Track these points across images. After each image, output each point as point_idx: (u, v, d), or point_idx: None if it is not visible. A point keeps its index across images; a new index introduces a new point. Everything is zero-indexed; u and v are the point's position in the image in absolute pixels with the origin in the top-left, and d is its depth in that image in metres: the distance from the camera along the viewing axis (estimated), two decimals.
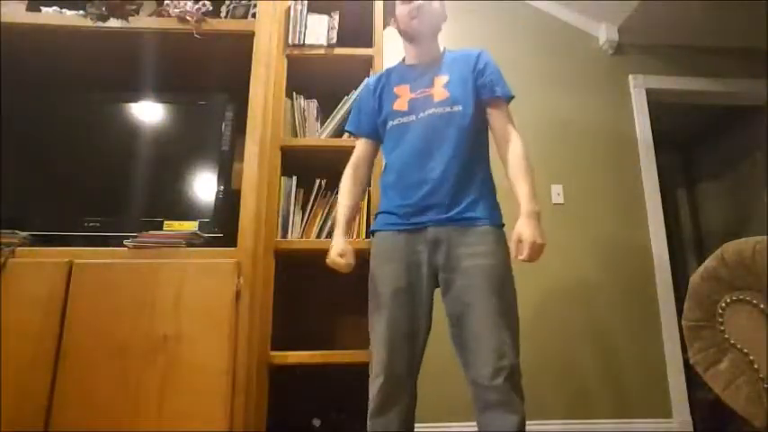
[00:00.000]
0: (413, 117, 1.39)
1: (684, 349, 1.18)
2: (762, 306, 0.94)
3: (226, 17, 1.85)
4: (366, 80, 1.67)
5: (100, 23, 1.68)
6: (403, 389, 1.24)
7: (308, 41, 1.91)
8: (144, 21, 1.74)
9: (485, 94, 1.39)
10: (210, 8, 1.72)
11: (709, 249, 2.64)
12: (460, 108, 1.36)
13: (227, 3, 1.87)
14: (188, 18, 1.69)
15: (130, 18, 1.71)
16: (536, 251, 1.21)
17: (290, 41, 1.91)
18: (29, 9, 1.81)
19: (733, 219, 3.71)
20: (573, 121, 2.73)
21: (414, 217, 1.31)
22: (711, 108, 3.39)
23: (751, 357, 0.95)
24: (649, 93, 2.80)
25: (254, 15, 1.81)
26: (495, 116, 1.40)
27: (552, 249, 2.50)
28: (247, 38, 1.70)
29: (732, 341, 0.98)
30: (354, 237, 1.74)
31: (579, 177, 2.64)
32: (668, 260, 2.57)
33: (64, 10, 1.73)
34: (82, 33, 1.70)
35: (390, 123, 1.43)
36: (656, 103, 2.81)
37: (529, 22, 2.88)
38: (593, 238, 2.56)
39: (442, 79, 1.40)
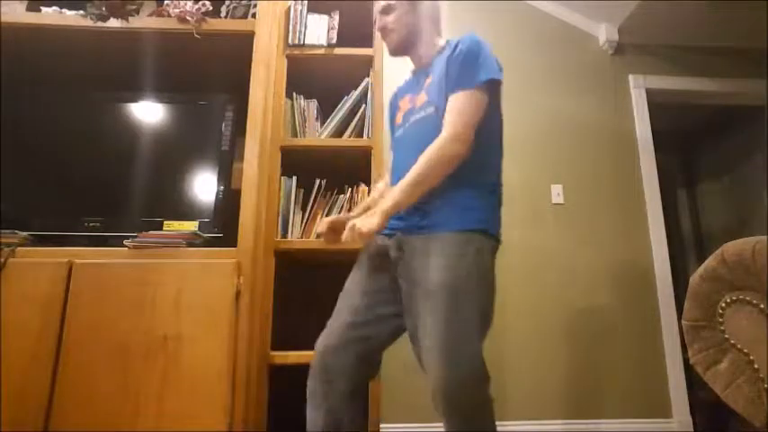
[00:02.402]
0: (401, 131, 1.36)
1: (684, 349, 1.18)
2: (762, 306, 0.94)
3: (226, 17, 1.85)
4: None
5: (100, 23, 1.68)
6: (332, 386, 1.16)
7: (308, 41, 1.92)
8: (144, 21, 1.74)
9: (447, 91, 1.23)
10: (210, 8, 1.72)
11: (709, 249, 2.65)
12: (432, 110, 1.26)
13: (227, 3, 1.87)
14: (188, 18, 1.69)
15: (130, 18, 1.70)
16: (351, 234, 1.12)
17: (290, 41, 1.91)
18: (29, 9, 1.81)
19: (733, 219, 3.71)
20: (573, 121, 2.73)
21: (390, 224, 1.24)
22: (711, 108, 3.39)
23: (751, 357, 0.95)
24: (649, 93, 2.80)
25: (254, 15, 1.81)
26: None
27: (552, 249, 2.53)
28: (247, 38, 1.70)
29: (732, 341, 0.98)
30: None
31: (579, 177, 2.64)
32: (668, 260, 2.57)
33: (64, 10, 1.73)
34: (82, 33, 1.70)
35: (392, 138, 1.42)
36: (656, 103, 2.81)
37: (529, 22, 2.88)
38: (593, 238, 2.56)
39: (428, 81, 1.33)
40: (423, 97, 1.31)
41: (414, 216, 1.21)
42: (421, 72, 1.38)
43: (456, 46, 1.26)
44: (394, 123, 1.44)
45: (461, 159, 1.17)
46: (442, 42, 1.38)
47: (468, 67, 1.22)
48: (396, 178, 1.31)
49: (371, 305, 1.23)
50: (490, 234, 1.21)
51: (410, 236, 1.20)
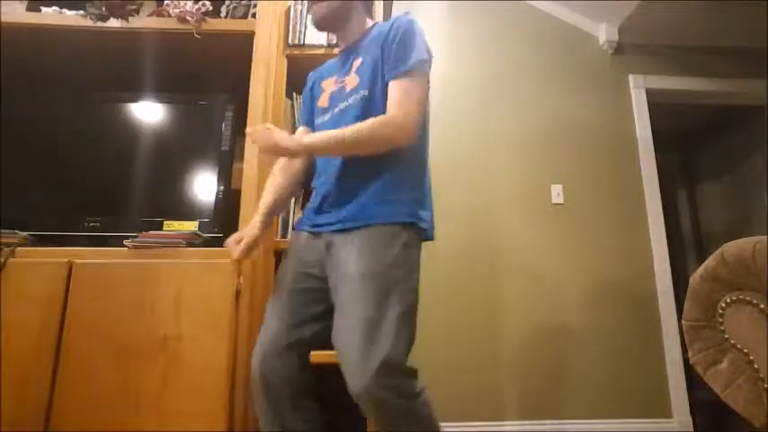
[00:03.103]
0: (330, 114, 1.28)
1: (684, 349, 1.18)
2: (762, 306, 0.94)
3: (226, 17, 1.85)
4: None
5: (100, 23, 1.68)
6: (273, 396, 1.14)
7: (308, 41, 1.91)
8: (144, 21, 1.74)
9: (387, 74, 1.17)
10: (210, 8, 1.72)
11: (709, 249, 2.65)
12: (366, 93, 1.19)
13: (227, 3, 1.87)
14: (188, 18, 1.69)
15: (130, 18, 1.71)
16: (263, 137, 1.12)
17: (290, 41, 1.91)
18: (29, 9, 1.81)
19: (733, 219, 3.72)
20: (573, 121, 2.73)
21: (316, 219, 1.23)
22: (711, 108, 3.39)
23: (751, 357, 0.95)
24: (649, 93, 2.80)
25: (254, 15, 1.81)
26: (388, 96, 1.16)
27: (552, 249, 2.53)
28: (247, 38, 1.70)
29: (732, 341, 0.98)
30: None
31: (579, 177, 2.64)
32: (668, 260, 2.57)
33: (64, 10, 1.73)
34: (82, 33, 1.70)
35: (316, 123, 1.34)
36: (656, 103, 2.81)
37: (529, 23, 2.88)
38: (593, 238, 2.56)
39: (357, 62, 1.25)
40: (353, 80, 1.23)
41: (341, 211, 1.17)
42: (348, 52, 1.31)
43: (390, 28, 1.21)
44: (315, 104, 1.37)
45: (397, 145, 1.13)
46: (370, 23, 1.33)
47: (407, 49, 1.16)
48: (321, 164, 1.29)
49: (302, 306, 1.18)
50: (420, 229, 1.17)
51: (338, 233, 1.15)
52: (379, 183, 1.16)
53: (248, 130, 1.21)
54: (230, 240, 1.25)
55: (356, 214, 1.15)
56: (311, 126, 1.38)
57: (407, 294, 1.09)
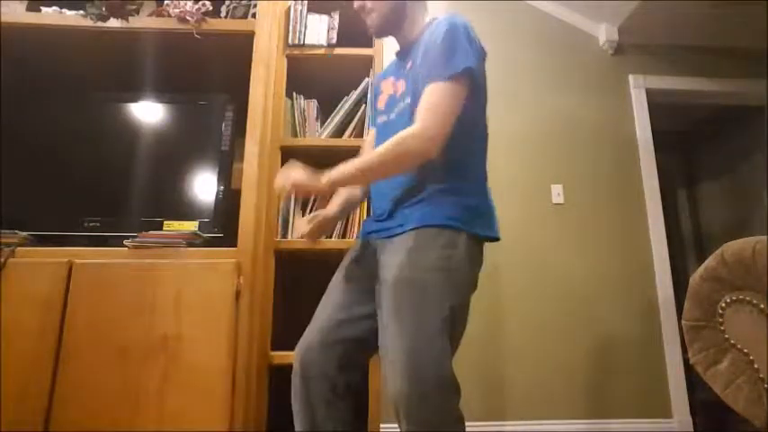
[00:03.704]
0: (387, 117, 1.27)
1: (684, 349, 1.18)
2: (762, 306, 0.94)
3: (226, 17, 1.85)
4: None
5: (100, 23, 1.68)
6: (313, 388, 1.14)
7: (308, 41, 1.92)
8: (144, 21, 1.74)
9: (421, 82, 1.12)
10: (210, 8, 1.72)
11: (709, 249, 2.65)
12: (409, 101, 1.17)
13: (227, 3, 1.87)
14: (188, 18, 1.69)
15: (130, 18, 1.70)
16: (290, 179, 1.09)
17: (290, 41, 1.91)
18: (29, 9, 1.82)
19: (733, 219, 3.71)
20: (573, 122, 2.73)
21: (367, 228, 1.26)
22: (711, 108, 3.39)
23: (751, 357, 0.95)
24: (649, 93, 2.80)
25: (254, 15, 1.81)
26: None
27: (552, 249, 2.53)
28: (247, 38, 1.70)
29: (732, 341, 0.98)
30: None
31: (579, 177, 2.64)
32: (668, 260, 2.57)
33: (64, 10, 1.73)
34: (82, 33, 1.70)
35: (377, 123, 1.33)
36: (656, 103, 2.81)
37: (529, 23, 2.88)
38: (593, 238, 2.56)
39: (409, 65, 1.23)
40: (402, 85, 1.23)
41: (386, 219, 1.18)
42: (404, 54, 1.28)
43: (433, 31, 1.15)
44: (376, 107, 1.36)
45: (426, 158, 1.07)
46: (427, 20, 1.26)
47: (443, 54, 1.09)
48: None
49: (349, 306, 1.18)
50: (466, 231, 1.10)
51: (384, 239, 1.17)
52: (421, 190, 1.13)
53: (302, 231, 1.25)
54: (302, 219, 1.28)
55: (396, 220, 1.15)
56: (374, 123, 1.40)
57: (449, 298, 1.04)
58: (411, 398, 0.96)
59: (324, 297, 1.25)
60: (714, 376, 0.99)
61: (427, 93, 1.09)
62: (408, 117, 1.13)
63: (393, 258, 1.09)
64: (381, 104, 1.31)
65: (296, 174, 1.10)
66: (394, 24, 1.26)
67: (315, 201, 1.85)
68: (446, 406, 0.99)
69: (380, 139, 1.24)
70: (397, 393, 0.97)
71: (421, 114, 1.07)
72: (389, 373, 1.00)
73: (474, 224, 1.12)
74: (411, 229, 1.09)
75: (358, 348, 1.17)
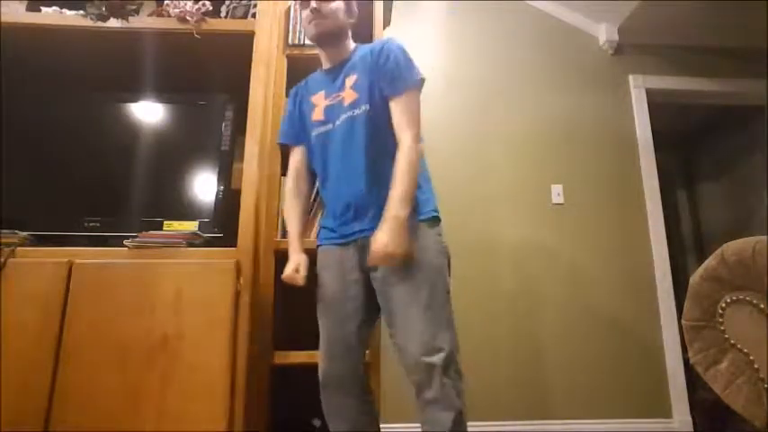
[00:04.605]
0: (330, 126, 1.37)
1: (684, 349, 1.18)
2: (762, 306, 0.94)
3: (226, 17, 1.85)
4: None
5: (100, 23, 1.68)
6: (346, 393, 1.27)
7: (307, 41, 1.91)
8: (144, 21, 1.74)
9: (386, 91, 1.31)
10: (210, 8, 1.72)
11: (710, 249, 2.65)
12: (367, 107, 1.31)
13: (227, 3, 1.87)
14: (188, 18, 1.69)
15: (130, 18, 1.70)
16: (384, 258, 1.15)
17: (290, 41, 1.90)
18: (29, 9, 1.82)
19: (733, 219, 3.72)
20: (573, 121, 2.73)
21: (343, 230, 1.32)
22: (711, 108, 3.39)
23: (751, 357, 0.95)
24: (649, 93, 2.80)
25: (254, 15, 1.81)
26: (393, 111, 1.30)
27: (552, 249, 2.53)
28: (247, 38, 1.70)
29: (732, 341, 0.98)
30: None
31: (579, 177, 2.64)
32: (668, 260, 2.57)
33: (64, 10, 1.73)
34: (82, 33, 1.70)
35: (312, 135, 1.42)
36: (656, 103, 2.81)
37: (529, 23, 2.88)
38: (593, 238, 2.56)
39: (351, 79, 1.36)
40: (351, 95, 1.34)
41: (371, 216, 1.27)
42: (337, 70, 1.41)
43: (381, 51, 1.33)
44: (306, 119, 1.44)
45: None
46: (352, 45, 1.45)
47: (407, 68, 1.31)
48: (330, 174, 1.36)
49: (354, 311, 1.29)
50: (439, 219, 1.32)
51: (369, 236, 1.24)
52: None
53: (368, 262, 1.24)
54: (289, 272, 1.33)
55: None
56: (298, 140, 1.48)
57: (440, 287, 1.23)
58: (446, 361, 1.15)
59: (323, 310, 1.34)
60: (714, 376, 0.99)
61: (402, 103, 1.28)
62: (368, 120, 1.30)
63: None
64: (319, 116, 1.40)
65: (394, 246, 1.15)
66: (337, 37, 1.41)
67: (315, 200, 1.85)
68: (459, 367, 1.19)
69: (322, 148, 1.38)
70: (430, 364, 1.14)
71: (406, 124, 1.26)
72: (416, 346, 1.16)
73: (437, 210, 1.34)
74: (413, 222, 1.23)
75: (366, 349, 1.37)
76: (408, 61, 1.32)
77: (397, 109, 1.28)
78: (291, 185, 1.47)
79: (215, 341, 1.38)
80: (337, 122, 1.35)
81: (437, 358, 1.13)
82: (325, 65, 1.46)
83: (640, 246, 2.58)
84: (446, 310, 1.22)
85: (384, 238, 1.14)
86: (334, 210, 1.35)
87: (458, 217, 2.50)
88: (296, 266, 1.33)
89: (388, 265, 1.18)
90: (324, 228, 1.41)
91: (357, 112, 1.31)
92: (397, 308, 1.21)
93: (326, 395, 1.27)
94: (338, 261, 1.32)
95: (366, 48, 1.40)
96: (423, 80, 1.32)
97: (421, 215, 1.27)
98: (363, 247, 1.26)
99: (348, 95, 1.34)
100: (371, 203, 1.27)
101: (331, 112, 1.37)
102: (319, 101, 1.41)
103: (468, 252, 2.47)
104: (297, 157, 1.49)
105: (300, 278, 1.32)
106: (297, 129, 1.48)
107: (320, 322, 1.33)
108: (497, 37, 2.83)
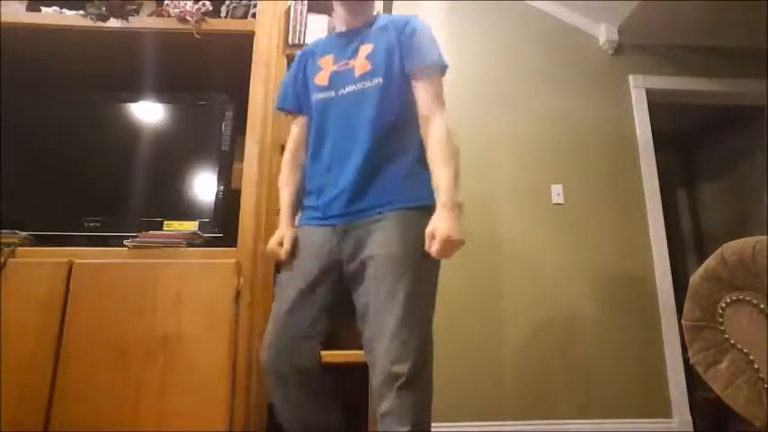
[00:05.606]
0: (332, 93, 1.26)
1: (684, 349, 1.18)
2: (762, 306, 0.94)
3: (226, 17, 1.85)
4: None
5: (100, 23, 1.68)
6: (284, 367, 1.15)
7: (308, 41, 1.91)
8: (144, 21, 1.74)
9: (410, 64, 1.22)
10: (210, 8, 1.72)
11: (709, 249, 2.65)
12: (381, 81, 1.22)
13: (227, 3, 1.87)
14: (188, 18, 1.69)
15: (130, 18, 1.70)
16: (449, 248, 1.07)
17: (290, 41, 1.90)
18: (29, 9, 1.81)
19: (733, 219, 3.71)
20: (573, 121, 2.73)
21: (329, 211, 1.22)
22: (711, 108, 3.39)
23: (751, 357, 0.95)
24: (649, 93, 2.80)
25: (254, 15, 1.81)
26: (419, 90, 1.22)
27: (552, 249, 2.53)
28: (247, 38, 1.70)
29: (732, 341, 0.98)
30: None
31: (579, 177, 2.64)
32: (668, 260, 2.57)
33: (64, 10, 1.73)
34: (82, 33, 1.70)
35: (312, 99, 1.30)
36: (656, 103, 2.81)
37: (529, 23, 2.88)
38: (593, 238, 2.56)
39: (367, 49, 1.26)
40: (364, 65, 1.24)
41: (356, 203, 1.18)
42: (352, 35, 1.31)
43: (406, 22, 1.26)
44: (310, 82, 1.33)
45: None
46: (374, 13, 1.36)
47: (433, 47, 1.24)
48: (324, 148, 1.25)
49: (321, 297, 1.19)
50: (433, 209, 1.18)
51: (358, 221, 1.17)
52: (402, 170, 1.20)
53: (432, 253, 1.12)
54: (273, 245, 1.26)
55: (382, 201, 1.17)
56: (299, 107, 1.36)
57: (426, 283, 1.15)
58: (411, 373, 1.04)
59: (285, 291, 1.21)
60: (714, 376, 0.99)
61: (430, 81, 1.22)
62: (380, 96, 1.21)
63: (379, 236, 1.14)
64: (323, 81, 1.29)
65: (453, 242, 1.07)
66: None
67: None
68: (429, 379, 1.10)
69: (319, 116, 1.27)
70: (394, 373, 1.03)
71: (437, 105, 1.21)
72: (383, 349, 1.06)
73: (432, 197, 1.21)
74: (399, 210, 1.16)
75: (327, 341, 1.22)
76: (435, 41, 1.26)
77: (424, 87, 1.21)
78: (288, 158, 1.36)
79: (215, 341, 1.38)
80: (341, 92, 1.25)
81: (400, 368, 1.03)
82: (340, 27, 1.35)
83: (640, 246, 2.58)
84: (425, 314, 1.12)
85: (448, 228, 1.06)
86: (322, 187, 1.24)
87: None
88: (280, 239, 1.25)
89: (449, 255, 1.09)
90: (308, 207, 1.29)
91: (368, 84, 1.22)
92: (373, 305, 1.11)
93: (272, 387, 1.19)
94: (318, 241, 1.22)
95: (386, 18, 1.31)
96: (446, 66, 1.26)
97: (416, 201, 1.19)
98: (345, 233, 1.18)
99: (360, 66, 1.24)
100: (370, 184, 1.19)
101: (336, 79, 1.27)
102: (326, 64, 1.30)
103: (468, 251, 2.47)
104: (297, 127, 1.37)
105: (283, 252, 1.24)
106: (299, 94, 1.36)
107: (275, 291, 1.25)
108: (497, 37, 2.83)
